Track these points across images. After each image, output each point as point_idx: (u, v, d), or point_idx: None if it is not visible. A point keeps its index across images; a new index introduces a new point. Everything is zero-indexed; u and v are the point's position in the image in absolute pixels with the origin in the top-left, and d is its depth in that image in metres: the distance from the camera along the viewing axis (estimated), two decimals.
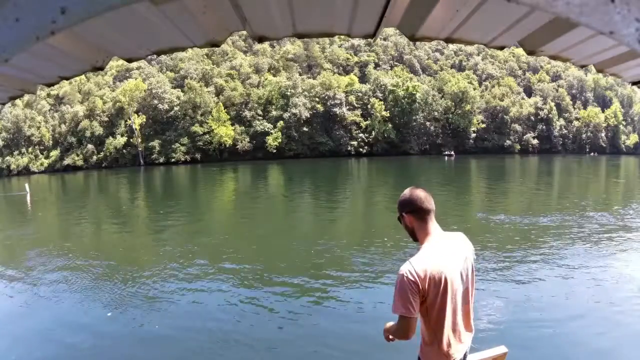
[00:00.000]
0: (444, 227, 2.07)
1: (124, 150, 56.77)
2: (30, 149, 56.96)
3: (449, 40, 0.98)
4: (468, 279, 2.01)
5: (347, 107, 62.05)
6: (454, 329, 1.99)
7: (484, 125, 67.49)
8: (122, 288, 7.05)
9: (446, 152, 59.79)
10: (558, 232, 10.41)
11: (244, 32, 0.96)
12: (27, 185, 26.59)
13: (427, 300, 1.88)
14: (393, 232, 10.88)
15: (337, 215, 14.74)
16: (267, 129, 58.58)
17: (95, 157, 56.62)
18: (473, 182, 26.49)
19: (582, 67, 1.06)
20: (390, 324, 2.09)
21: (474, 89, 68.29)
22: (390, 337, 2.10)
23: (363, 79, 66.69)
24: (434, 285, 1.87)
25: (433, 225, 2.00)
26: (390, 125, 62.06)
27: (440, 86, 67.41)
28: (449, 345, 1.96)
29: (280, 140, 57.70)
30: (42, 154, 57.61)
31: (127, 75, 61.73)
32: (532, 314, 5.43)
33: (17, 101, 52.43)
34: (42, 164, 56.40)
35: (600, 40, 0.73)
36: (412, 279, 1.84)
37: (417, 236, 2.01)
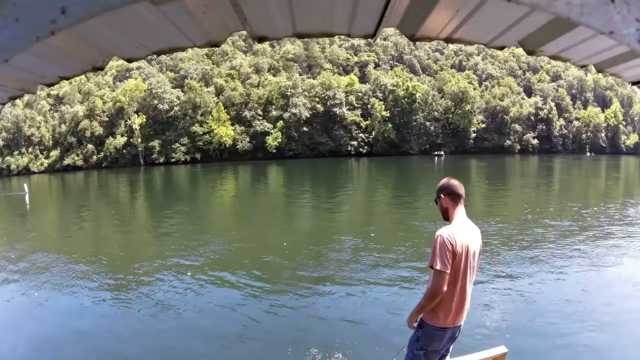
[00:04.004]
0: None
1: (124, 150, 56.74)
2: (30, 149, 56.95)
3: (449, 40, 0.97)
4: (476, 260, 2.46)
5: (347, 107, 62.01)
6: (462, 294, 2.39)
7: (484, 125, 67.48)
8: (121, 287, 7.05)
9: (436, 153, 60.08)
10: (557, 232, 10.42)
11: (244, 32, 0.95)
12: (25, 186, 26.58)
13: (454, 262, 2.30)
14: (391, 232, 10.90)
15: (337, 215, 14.74)
16: (267, 129, 58.55)
17: (95, 157, 56.59)
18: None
19: (582, 67, 1.04)
20: (413, 309, 2.47)
21: (474, 89, 68.26)
22: (415, 319, 2.50)
23: (363, 79, 66.65)
24: (461, 251, 2.31)
25: (462, 208, 2.49)
26: (390, 125, 62.02)
27: (440, 86, 67.40)
28: (455, 304, 2.38)
29: (280, 140, 57.67)
30: (42, 154, 57.59)
31: (127, 75, 61.71)
32: (532, 314, 5.43)
33: (17, 101, 52.42)
34: (42, 164, 56.38)
35: (600, 40, 0.72)
36: (450, 241, 2.29)
37: (448, 215, 2.49)
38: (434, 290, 2.30)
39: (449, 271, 2.28)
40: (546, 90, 73.42)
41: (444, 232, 2.34)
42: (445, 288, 2.30)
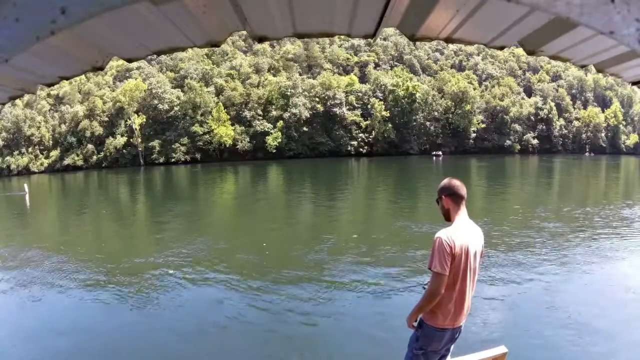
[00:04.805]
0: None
1: (124, 150, 56.67)
2: (30, 149, 56.86)
3: (449, 40, 0.97)
4: (477, 261, 2.44)
5: (347, 107, 61.96)
6: (461, 296, 2.37)
7: (484, 125, 67.42)
8: (120, 286, 7.05)
9: (434, 153, 60.39)
10: (557, 232, 10.42)
11: (244, 32, 0.95)
12: (25, 186, 26.57)
13: (453, 263, 2.28)
14: (390, 233, 10.89)
15: (336, 215, 14.74)
16: (267, 129, 58.50)
17: (95, 157, 56.52)
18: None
19: (582, 67, 1.04)
20: (412, 309, 2.46)
21: (474, 89, 68.19)
22: (414, 319, 2.48)
23: (363, 79, 66.60)
24: (460, 253, 2.29)
25: (463, 209, 2.47)
26: (390, 125, 61.98)
27: (440, 86, 67.33)
28: (454, 305, 2.36)
29: (280, 140, 57.64)
30: (42, 154, 57.51)
31: (127, 75, 61.62)
32: (532, 314, 5.43)
33: (17, 101, 52.36)
34: (42, 164, 56.31)
35: (600, 40, 0.73)
36: (448, 242, 2.27)
37: (450, 216, 2.47)
38: (431, 292, 2.30)
39: (447, 273, 2.27)
40: (546, 90, 73.36)
41: (443, 234, 2.32)
42: (443, 290, 2.29)
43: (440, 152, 60.13)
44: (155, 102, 57.79)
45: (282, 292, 6.58)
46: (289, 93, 59.53)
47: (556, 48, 0.90)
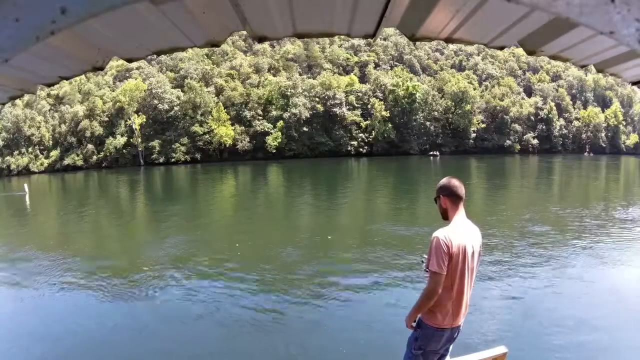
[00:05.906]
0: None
1: (124, 150, 56.66)
2: (30, 149, 56.86)
3: (449, 40, 0.97)
4: (474, 261, 2.44)
5: (347, 107, 61.93)
6: (459, 296, 2.37)
7: (484, 125, 67.37)
8: (120, 287, 7.05)
9: (431, 153, 60.84)
10: (556, 233, 10.42)
11: (244, 32, 0.95)
12: (25, 186, 26.58)
13: (450, 263, 2.28)
14: (387, 232, 10.89)
15: (336, 215, 14.74)
16: (267, 129, 58.50)
17: (95, 157, 56.52)
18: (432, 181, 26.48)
19: (582, 67, 1.04)
20: (410, 309, 2.46)
21: (474, 89, 68.16)
22: (412, 319, 2.48)
23: (363, 79, 66.56)
24: (458, 252, 2.29)
25: (461, 209, 2.46)
26: (390, 125, 61.97)
27: (440, 86, 67.32)
28: (452, 305, 2.37)
29: (280, 140, 57.62)
30: (42, 154, 57.52)
31: (127, 75, 61.61)
32: (532, 314, 5.43)
33: (17, 101, 52.33)
34: (42, 164, 56.32)
35: (600, 40, 0.72)
36: (445, 242, 2.27)
37: (447, 215, 2.47)
38: (429, 291, 2.30)
39: (444, 273, 2.27)
40: (546, 90, 73.32)
41: (440, 233, 2.32)
42: (440, 289, 2.29)
43: (437, 152, 60.47)
44: (155, 102, 57.77)
45: (279, 291, 6.58)
46: (289, 93, 59.51)
47: (556, 48, 0.90)
